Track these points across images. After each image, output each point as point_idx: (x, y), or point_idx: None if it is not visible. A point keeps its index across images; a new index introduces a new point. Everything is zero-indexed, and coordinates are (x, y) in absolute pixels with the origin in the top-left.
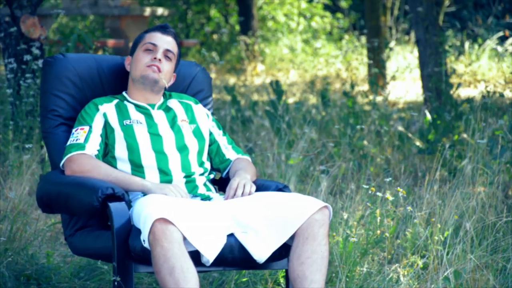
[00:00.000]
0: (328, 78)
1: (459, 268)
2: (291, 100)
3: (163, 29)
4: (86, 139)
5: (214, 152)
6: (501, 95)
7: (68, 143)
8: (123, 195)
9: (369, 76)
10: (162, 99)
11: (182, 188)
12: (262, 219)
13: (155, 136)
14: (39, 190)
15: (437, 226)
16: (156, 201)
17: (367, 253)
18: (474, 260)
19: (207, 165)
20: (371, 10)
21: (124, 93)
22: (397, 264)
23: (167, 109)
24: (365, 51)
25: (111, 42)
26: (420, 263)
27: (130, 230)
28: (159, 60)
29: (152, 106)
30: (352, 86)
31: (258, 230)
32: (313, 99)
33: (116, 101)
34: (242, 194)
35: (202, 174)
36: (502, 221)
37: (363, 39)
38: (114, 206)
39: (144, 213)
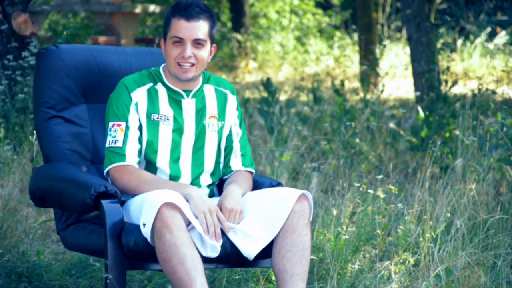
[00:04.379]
0: (319, 75)
1: (451, 265)
2: (282, 97)
3: (188, 14)
4: (124, 141)
5: (224, 151)
6: (494, 93)
7: (107, 144)
8: (116, 193)
9: (361, 73)
10: (200, 82)
11: (215, 219)
12: (250, 220)
13: (175, 142)
14: (32, 184)
15: (428, 223)
16: (159, 191)
17: (358, 250)
18: (465, 257)
19: (220, 173)
20: (363, 7)
21: (161, 70)
22: (388, 261)
23: (200, 99)
24: (357, 48)
25: (102, 39)
26: (412, 260)
27: (123, 227)
28: (189, 56)
29: (188, 92)
30: (342, 83)
31: (247, 231)
32: (304, 96)
33: (149, 85)
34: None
35: (210, 185)
36: (493, 218)
37: (355, 36)
38: (107, 203)
39: (149, 199)
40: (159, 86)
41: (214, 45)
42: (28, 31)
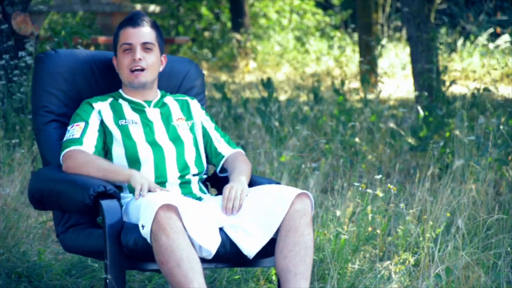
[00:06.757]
0: (319, 75)
1: (451, 265)
2: (282, 97)
3: (133, 22)
4: (82, 134)
5: (206, 146)
6: (487, 90)
7: (64, 139)
8: (115, 193)
9: (360, 73)
10: (159, 94)
11: (153, 186)
12: (249, 217)
13: (150, 140)
14: (31, 187)
15: (428, 223)
16: (156, 194)
17: (358, 250)
18: (465, 257)
19: (204, 164)
20: (363, 7)
21: (120, 90)
22: (388, 261)
23: (163, 106)
24: (357, 48)
25: (102, 39)
26: (412, 260)
27: (122, 227)
28: (139, 59)
29: (149, 103)
30: (343, 83)
31: (246, 228)
32: (304, 96)
33: (110, 99)
34: (236, 205)
35: (197, 175)
36: (493, 218)
37: (355, 36)
38: (106, 203)
39: (146, 201)
40: (121, 101)
41: (164, 55)
42: (28, 31)
